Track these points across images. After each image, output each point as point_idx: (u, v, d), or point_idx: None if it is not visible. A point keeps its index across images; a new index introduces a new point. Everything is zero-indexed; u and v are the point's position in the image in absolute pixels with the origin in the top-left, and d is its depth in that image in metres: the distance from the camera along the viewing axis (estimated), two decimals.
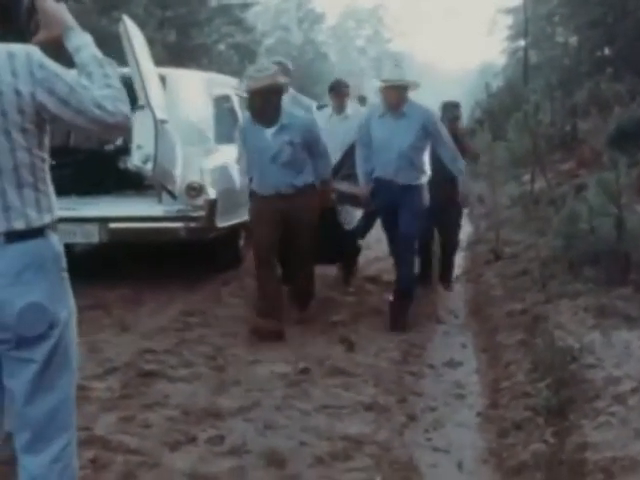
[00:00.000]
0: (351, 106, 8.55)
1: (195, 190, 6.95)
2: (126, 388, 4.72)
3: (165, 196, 6.86)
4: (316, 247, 6.21)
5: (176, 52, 29.04)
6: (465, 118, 14.79)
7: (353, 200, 6.88)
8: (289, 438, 4.06)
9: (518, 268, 7.49)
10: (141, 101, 6.37)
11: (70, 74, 2.36)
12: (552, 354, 4.64)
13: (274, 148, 5.94)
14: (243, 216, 7.20)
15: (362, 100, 21.50)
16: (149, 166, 6.37)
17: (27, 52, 2.33)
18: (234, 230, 7.78)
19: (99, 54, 2.48)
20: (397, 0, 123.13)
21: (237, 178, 7.12)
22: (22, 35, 2.46)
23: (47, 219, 2.45)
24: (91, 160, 8.24)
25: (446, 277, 7.93)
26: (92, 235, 6.77)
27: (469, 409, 4.59)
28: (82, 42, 2.48)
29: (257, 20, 48.00)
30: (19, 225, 2.38)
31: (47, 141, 2.46)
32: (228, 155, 7.22)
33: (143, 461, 3.78)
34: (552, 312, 5.62)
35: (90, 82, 2.38)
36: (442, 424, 4.35)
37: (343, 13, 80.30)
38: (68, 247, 6.71)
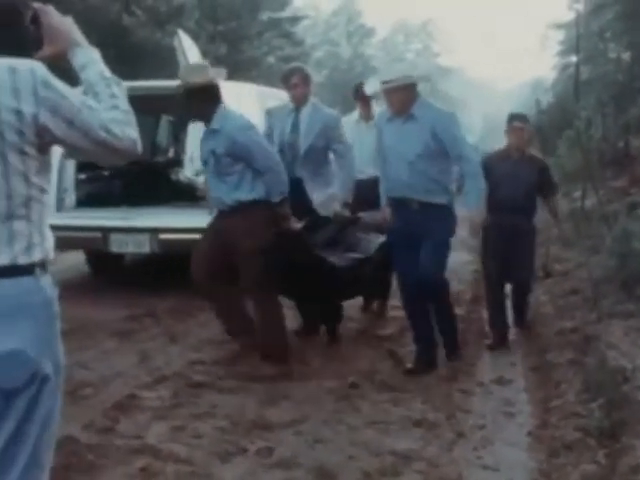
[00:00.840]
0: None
1: None
2: (176, 398, 4.77)
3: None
4: (270, 280, 5.41)
5: (227, 65, 29.35)
6: None
7: (379, 228, 5.99)
8: (338, 452, 4.06)
9: (568, 286, 7.43)
10: None
11: (76, 93, 2.19)
12: (603, 374, 4.59)
13: (203, 156, 5.56)
14: None
15: None
16: (201, 179, 6.43)
17: (31, 68, 2.14)
18: None
19: (107, 72, 2.30)
20: (447, 15, 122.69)
21: None
22: (24, 50, 2.28)
23: (37, 257, 2.19)
24: (144, 171, 8.35)
25: (521, 321, 6.66)
26: (143, 245, 6.86)
27: (519, 428, 4.54)
28: (89, 59, 2.31)
29: (306, 34, 48.26)
30: (2, 260, 2.13)
31: (49, 169, 2.26)
32: None
33: (193, 471, 3.82)
34: (603, 332, 5.56)
35: (97, 103, 2.20)
36: (491, 442, 4.31)
37: (393, 27, 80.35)
38: (120, 257, 6.74)
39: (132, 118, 2.25)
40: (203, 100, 5.32)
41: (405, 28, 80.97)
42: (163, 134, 8.56)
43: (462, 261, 9.65)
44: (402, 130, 5.32)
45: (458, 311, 7.05)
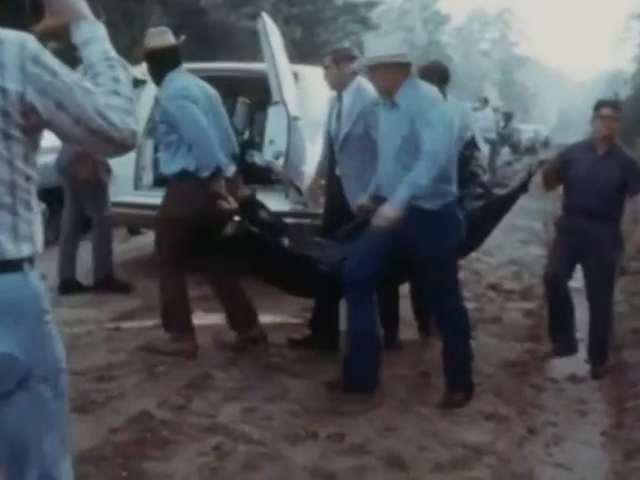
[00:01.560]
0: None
1: (322, 188, 6.97)
2: (248, 379, 4.82)
3: (292, 192, 6.93)
4: (180, 256, 5.15)
5: (301, 48, 29.36)
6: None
7: None
8: (408, 441, 4.07)
9: None
10: (275, 97, 6.48)
11: (71, 73, 1.95)
12: None
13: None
14: None
15: (484, 102, 21.25)
16: (280, 162, 6.45)
17: (20, 41, 1.90)
18: None
19: (112, 52, 2.05)
20: (525, 4, 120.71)
21: None
22: (21, 20, 2.09)
23: (26, 251, 1.98)
24: None
25: (598, 359, 5.39)
26: None
27: (592, 427, 4.49)
28: (93, 35, 2.06)
29: (381, 19, 48.03)
30: None
31: (35, 153, 2.02)
32: None
33: (264, 452, 3.87)
34: None
35: (95, 85, 1.96)
36: (563, 440, 4.27)
37: (469, 15, 79.50)
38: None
39: (134, 107, 2.03)
40: (159, 64, 5.19)
41: (481, 16, 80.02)
42: (240, 116, 8.58)
43: (534, 254, 9.55)
44: (388, 119, 4.53)
45: (528, 305, 7.02)
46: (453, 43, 66.75)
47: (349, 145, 5.23)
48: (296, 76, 7.12)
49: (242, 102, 8.72)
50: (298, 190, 6.78)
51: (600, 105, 5.36)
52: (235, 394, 4.58)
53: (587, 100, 49.40)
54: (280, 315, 6.21)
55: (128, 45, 22.10)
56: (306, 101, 7.12)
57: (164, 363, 4.96)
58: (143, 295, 6.43)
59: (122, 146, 2.00)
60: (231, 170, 5.43)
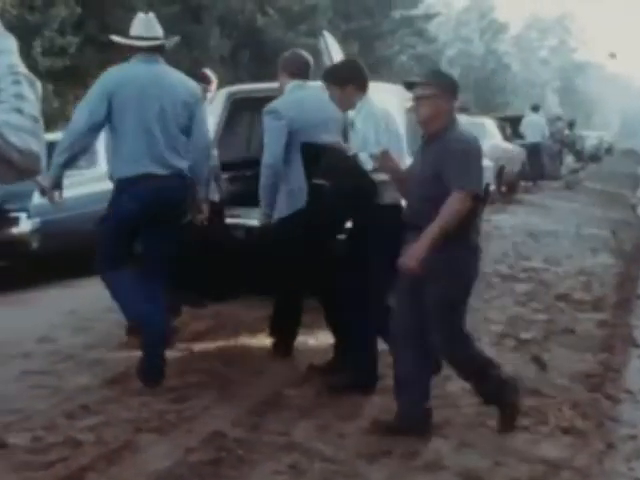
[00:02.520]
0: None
1: None
2: (320, 397, 4.82)
3: None
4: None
5: None
6: None
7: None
8: (484, 457, 4.02)
9: None
10: None
11: None
12: None
13: None
14: None
15: (534, 109, 20.97)
16: None
17: None
18: None
19: (20, 67, 1.87)
20: (584, 9, 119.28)
21: None
22: None
23: None
24: None
25: None
26: None
27: None
28: (0, 47, 1.89)
29: (439, 31, 47.91)
30: None
31: None
32: None
33: (340, 470, 3.87)
34: None
35: None
36: None
37: (526, 23, 78.73)
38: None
39: (38, 129, 1.83)
40: None
41: (539, 23, 79.19)
42: None
43: (604, 264, 9.40)
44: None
45: (601, 316, 6.91)
46: (511, 51, 66.11)
47: None
48: None
49: None
50: None
51: None
52: (308, 412, 4.59)
53: None
54: None
55: (189, 67, 22.48)
56: None
57: (236, 382, 5.00)
58: (215, 315, 6.49)
59: (23, 170, 1.80)
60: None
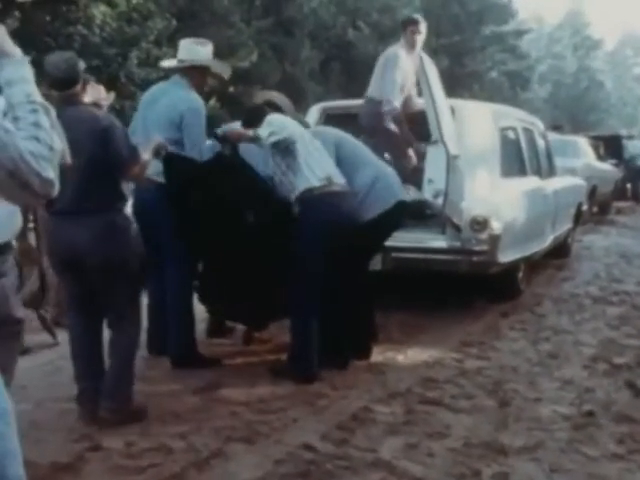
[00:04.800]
0: None
1: (480, 224, 6.89)
2: (409, 414, 4.79)
3: (449, 228, 6.92)
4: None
5: (448, 79, 29.37)
6: None
7: None
8: None
9: None
10: (435, 136, 6.52)
11: None
12: None
13: None
14: (526, 251, 7.10)
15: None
16: (440, 201, 6.49)
17: None
18: (514, 263, 7.68)
19: (36, 96, 1.96)
20: None
21: (523, 213, 7.03)
22: None
23: None
24: None
25: None
26: (376, 263, 6.93)
27: None
28: (16, 76, 1.97)
29: (530, 47, 47.40)
30: None
31: None
32: (514, 189, 7.16)
33: None
34: None
35: (15, 129, 1.87)
36: None
37: (621, 39, 77.19)
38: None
39: (54, 155, 1.91)
40: None
41: (634, 40, 77.53)
42: None
43: None
44: None
45: None
46: (605, 69, 64.89)
47: None
48: (452, 111, 7.12)
49: None
50: (457, 228, 6.78)
51: None
52: (396, 429, 4.56)
53: None
54: (439, 350, 6.18)
55: (280, 79, 22.72)
56: (463, 135, 7.10)
57: (326, 396, 5.02)
58: None
59: (36, 194, 1.88)
60: None
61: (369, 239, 5.62)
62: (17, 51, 2.03)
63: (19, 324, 3.49)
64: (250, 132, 5.33)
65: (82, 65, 4.44)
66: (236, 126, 5.65)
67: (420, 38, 7.25)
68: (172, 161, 5.21)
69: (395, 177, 5.85)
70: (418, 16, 7.80)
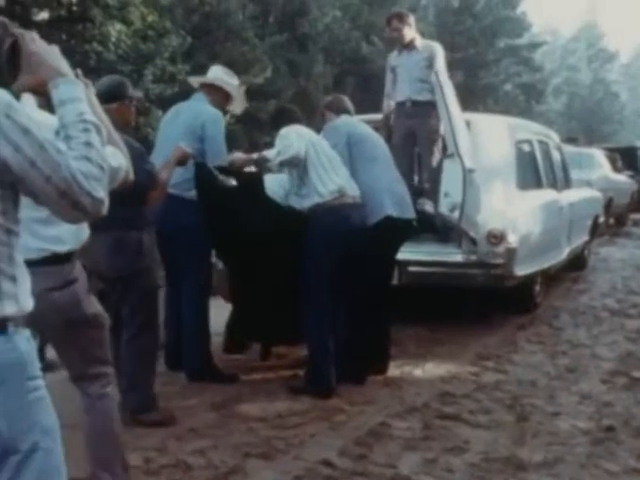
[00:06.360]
0: None
1: (496, 237, 6.89)
2: (427, 429, 4.77)
3: (465, 242, 6.91)
4: None
5: (463, 92, 29.38)
6: None
7: None
8: None
9: None
10: (450, 150, 6.53)
11: (44, 130, 1.86)
12: None
13: None
14: (542, 264, 7.08)
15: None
16: (456, 215, 6.49)
17: None
18: (531, 276, 7.65)
19: (88, 115, 1.98)
20: None
21: (539, 226, 7.01)
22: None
23: (10, 310, 1.85)
24: None
25: None
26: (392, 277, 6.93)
27: None
28: (70, 95, 1.99)
29: (545, 60, 47.36)
30: None
31: (16, 207, 1.92)
32: (530, 201, 7.14)
33: None
34: None
35: (67, 148, 1.87)
36: None
37: (636, 51, 77.01)
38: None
39: (105, 175, 1.91)
40: None
41: None
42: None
43: None
44: None
45: None
46: (620, 80, 64.72)
47: None
48: (468, 124, 7.12)
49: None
50: (473, 241, 6.78)
51: None
52: (414, 444, 4.54)
53: None
54: (456, 363, 6.16)
55: (294, 95, 22.77)
56: (479, 149, 7.10)
57: (344, 411, 5.01)
58: None
59: (87, 213, 1.89)
60: None
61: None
62: (70, 71, 2.07)
63: (96, 319, 3.46)
64: (254, 155, 5.52)
65: (130, 89, 4.53)
66: (239, 155, 5.74)
67: (401, 34, 7.61)
68: (202, 172, 5.27)
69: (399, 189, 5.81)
70: (397, 11, 8.45)
